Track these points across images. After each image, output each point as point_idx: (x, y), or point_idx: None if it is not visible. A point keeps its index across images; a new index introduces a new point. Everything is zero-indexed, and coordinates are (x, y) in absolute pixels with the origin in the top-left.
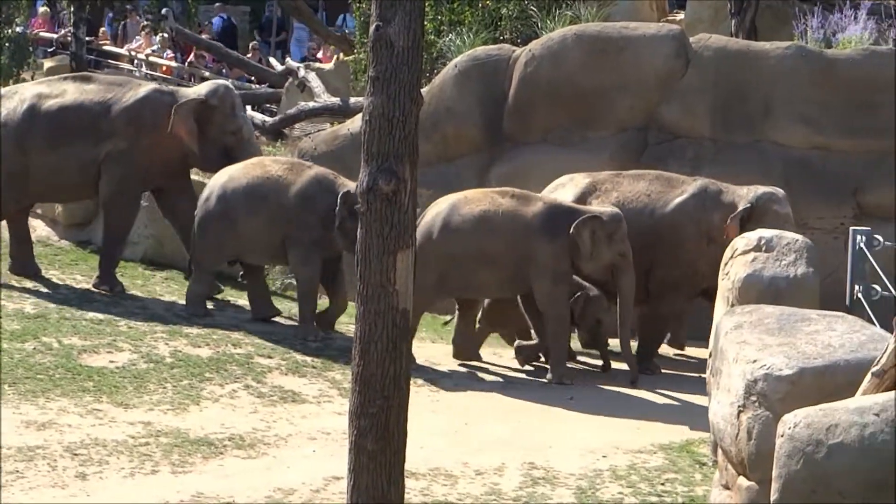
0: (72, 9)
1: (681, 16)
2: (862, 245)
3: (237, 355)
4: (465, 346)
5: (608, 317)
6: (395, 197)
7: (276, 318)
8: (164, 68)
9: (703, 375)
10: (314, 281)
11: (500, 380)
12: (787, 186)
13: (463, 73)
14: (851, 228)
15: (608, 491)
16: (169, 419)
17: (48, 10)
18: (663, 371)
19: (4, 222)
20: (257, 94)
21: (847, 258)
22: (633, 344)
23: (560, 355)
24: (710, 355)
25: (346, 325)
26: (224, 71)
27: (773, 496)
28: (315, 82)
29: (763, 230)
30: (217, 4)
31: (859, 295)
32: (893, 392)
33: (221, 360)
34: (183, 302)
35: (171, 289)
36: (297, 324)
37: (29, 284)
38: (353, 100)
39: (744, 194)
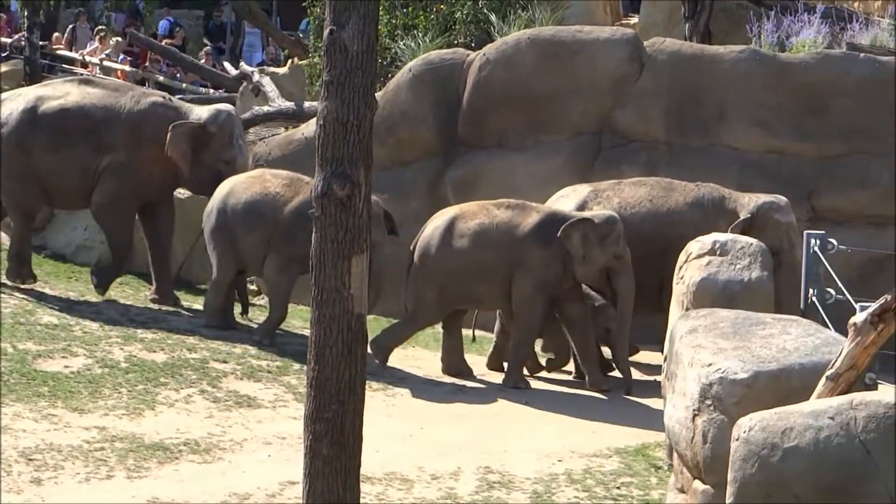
0: (25, 13)
1: (635, 19)
2: (816, 249)
3: (192, 360)
4: (453, 361)
5: (617, 325)
6: (349, 201)
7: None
8: (119, 72)
9: (658, 378)
10: (286, 290)
11: (457, 384)
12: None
13: (417, 78)
14: (806, 232)
15: (564, 495)
16: (124, 424)
17: (1, 15)
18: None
19: None
20: (212, 99)
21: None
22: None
23: (518, 360)
24: (665, 359)
25: (302, 329)
26: (178, 75)
27: (729, 499)
28: (269, 87)
29: (717, 234)
30: (164, 8)
31: (814, 298)
32: (848, 395)
33: (177, 364)
34: (138, 305)
35: (125, 293)
36: (254, 327)
37: None
38: (307, 104)
39: (745, 203)
